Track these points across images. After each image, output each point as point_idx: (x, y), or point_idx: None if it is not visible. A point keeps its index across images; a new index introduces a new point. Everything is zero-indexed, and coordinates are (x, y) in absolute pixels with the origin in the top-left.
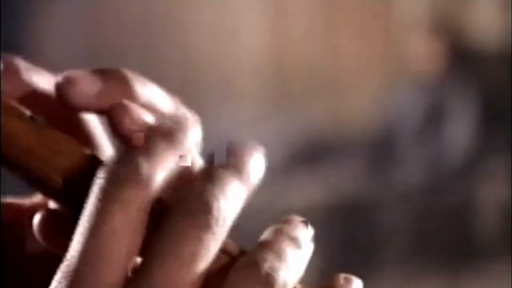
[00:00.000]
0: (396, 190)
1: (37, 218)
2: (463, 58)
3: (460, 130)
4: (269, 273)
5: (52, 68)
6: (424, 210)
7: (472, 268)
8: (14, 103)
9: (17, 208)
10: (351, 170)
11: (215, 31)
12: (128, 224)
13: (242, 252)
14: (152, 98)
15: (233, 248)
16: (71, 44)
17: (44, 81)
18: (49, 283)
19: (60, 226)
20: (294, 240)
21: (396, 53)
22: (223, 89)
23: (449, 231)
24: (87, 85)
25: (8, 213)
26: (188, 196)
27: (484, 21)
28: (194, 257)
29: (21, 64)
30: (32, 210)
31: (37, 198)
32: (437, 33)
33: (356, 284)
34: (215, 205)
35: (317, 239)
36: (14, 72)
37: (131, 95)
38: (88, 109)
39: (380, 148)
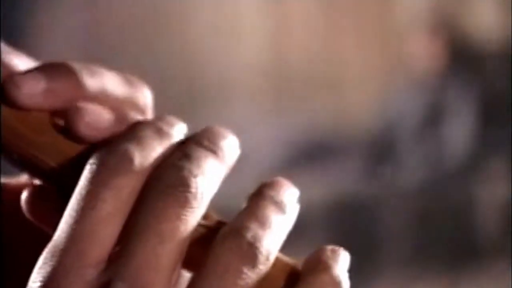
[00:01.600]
0: (396, 190)
1: (25, 194)
2: (463, 58)
3: (460, 130)
4: (252, 243)
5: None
6: (424, 210)
7: (472, 268)
8: None
9: (4, 188)
10: (351, 169)
11: (215, 31)
12: (118, 210)
13: (221, 223)
14: (103, 87)
15: (214, 219)
16: (70, 42)
17: (23, 65)
18: (34, 261)
19: (48, 202)
20: (278, 205)
21: (396, 53)
22: (223, 88)
23: (449, 231)
24: (32, 86)
25: None
26: (166, 173)
27: (484, 20)
28: (174, 233)
29: (2, 47)
30: (18, 189)
31: (23, 178)
32: (437, 33)
33: (343, 256)
34: (192, 181)
35: (316, 238)
36: None
37: (80, 88)
38: (39, 109)
39: (380, 148)
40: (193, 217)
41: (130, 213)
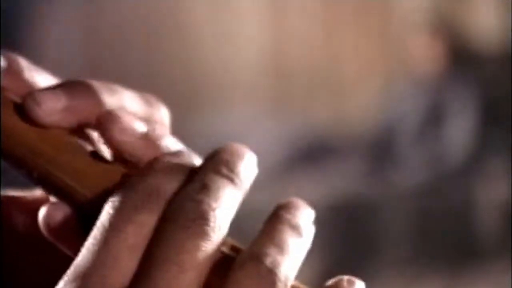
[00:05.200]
0: (396, 190)
1: (42, 212)
2: (463, 59)
3: (460, 130)
4: (271, 269)
5: (52, 69)
6: (424, 210)
7: (472, 268)
8: (16, 100)
9: (19, 202)
10: (351, 170)
11: (215, 31)
12: (139, 243)
13: (237, 248)
14: (122, 105)
15: (229, 243)
16: (71, 45)
17: (44, 81)
18: (44, 275)
19: (65, 221)
20: (295, 228)
21: (396, 53)
22: (223, 89)
23: (449, 231)
24: (53, 103)
25: (9, 206)
26: (185, 207)
27: (484, 21)
28: (193, 262)
29: (24, 63)
30: (35, 205)
31: (39, 192)
32: (437, 34)
33: (359, 287)
34: (211, 214)
35: (316, 239)
36: (16, 71)
37: (99, 106)
38: (58, 126)
39: (380, 148)
40: (212, 247)
41: (149, 243)
